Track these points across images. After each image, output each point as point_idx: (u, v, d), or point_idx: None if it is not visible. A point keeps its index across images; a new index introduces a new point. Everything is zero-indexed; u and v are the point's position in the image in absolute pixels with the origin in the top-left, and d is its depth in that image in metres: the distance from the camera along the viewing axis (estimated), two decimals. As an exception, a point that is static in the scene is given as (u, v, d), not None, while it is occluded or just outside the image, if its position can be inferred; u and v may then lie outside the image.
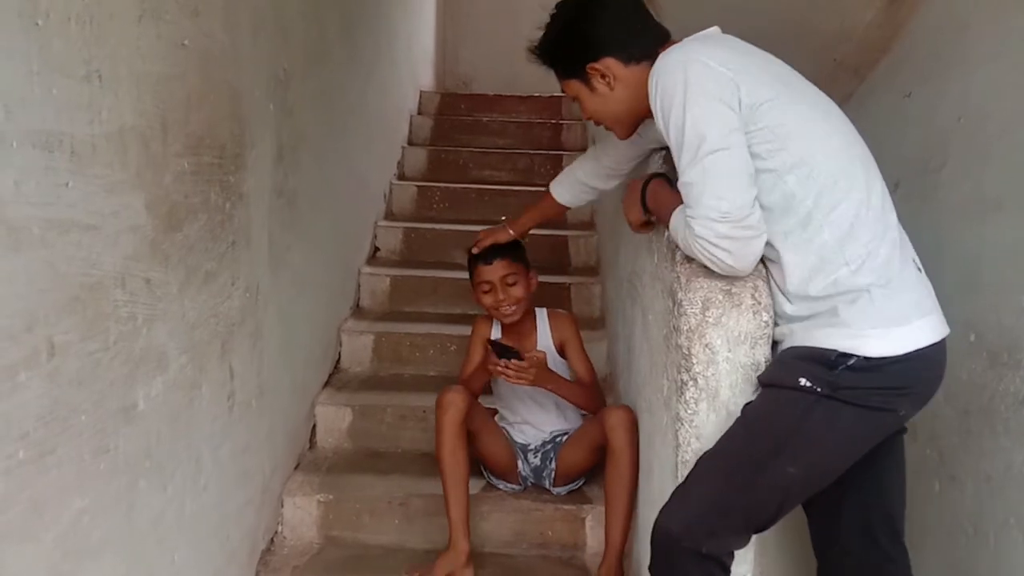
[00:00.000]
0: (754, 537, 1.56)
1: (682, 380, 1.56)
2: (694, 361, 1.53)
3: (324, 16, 2.78)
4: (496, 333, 2.53)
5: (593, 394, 2.44)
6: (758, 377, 1.51)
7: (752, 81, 1.45)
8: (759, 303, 1.51)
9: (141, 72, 1.46)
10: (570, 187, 2.34)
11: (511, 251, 2.42)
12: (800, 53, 2.48)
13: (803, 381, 1.40)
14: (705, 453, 1.51)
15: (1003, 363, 1.73)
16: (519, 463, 2.49)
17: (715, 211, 1.40)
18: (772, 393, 1.47)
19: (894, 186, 2.14)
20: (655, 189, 1.71)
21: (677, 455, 1.58)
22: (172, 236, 1.63)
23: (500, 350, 2.28)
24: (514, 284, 2.40)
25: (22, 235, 1.16)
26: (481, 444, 2.43)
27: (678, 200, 1.53)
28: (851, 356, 1.38)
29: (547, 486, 2.50)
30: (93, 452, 1.37)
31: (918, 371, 1.41)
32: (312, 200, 2.65)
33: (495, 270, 2.39)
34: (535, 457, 2.49)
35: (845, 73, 2.55)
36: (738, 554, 1.56)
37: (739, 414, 1.51)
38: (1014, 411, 1.69)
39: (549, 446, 2.48)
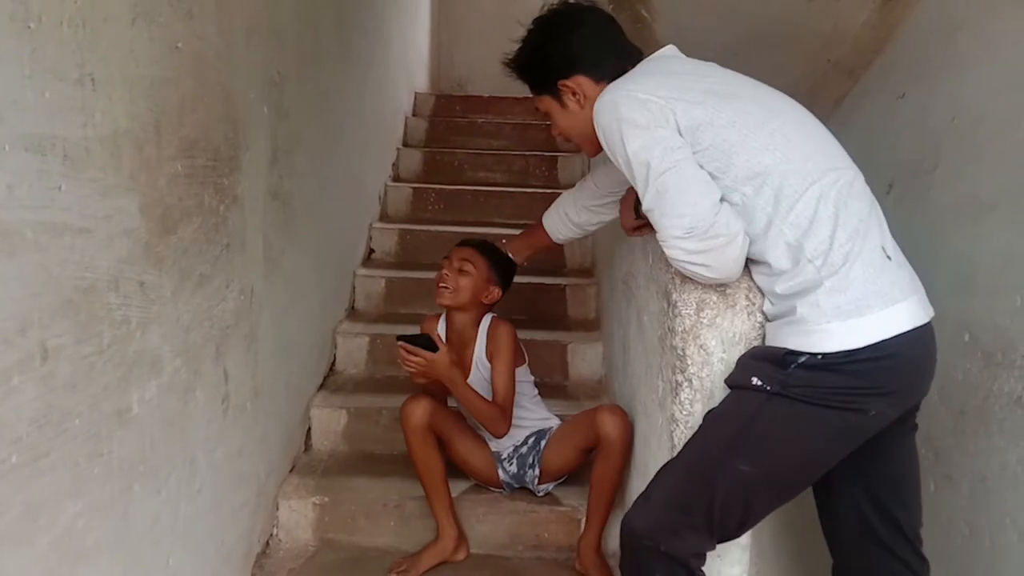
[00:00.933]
0: (750, 539, 1.56)
1: (677, 381, 1.56)
2: (689, 362, 1.54)
3: (318, 18, 2.78)
4: (441, 331, 2.53)
5: (494, 414, 2.32)
6: (725, 380, 1.53)
7: (686, 105, 1.47)
8: (753, 304, 1.52)
9: (134, 75, 1.46)
10: (559, 219, 2.32)
11: (488, 252, 2.45)
12: (794, 54, 2.50)
13: (755, 380, 1.43)
14: (668, 461, 1.54)
15: (997, 363, 1.73)
16: (499, 470, 2.48)
17: (679, 229, 1.43)
18: (731, 394, 1.50)
19: (888, 187, 2.14)
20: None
21: (672, 456, 1.58)
22: (166, 239, 1.62)
23: (411, 341, 2.23)
24: (464, 274, 2.41)
25: (15, 239, 1.16)
26: (456, 451, 2.43)
27: None
28: (801, 354, 1.38)
29: (531, 487, 2.48)
30: (87, 456, 1.37)
31: (887, 367, 1.38)
32: (307, 202, 2.65)
33: (460, 252, 2.45)
34: (511, 464, 2.47)
35: (839, 74, 2.55)
36: (732, 555, 1.57)
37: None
38: (1009, 411, 1.70)
39: (524, 449, 2.46)
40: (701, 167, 1.46)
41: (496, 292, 2.45)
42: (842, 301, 1.37)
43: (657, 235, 1.49)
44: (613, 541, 2.32)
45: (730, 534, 1.49)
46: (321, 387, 2.99)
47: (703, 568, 1.50)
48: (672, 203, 1.43)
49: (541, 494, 2.50)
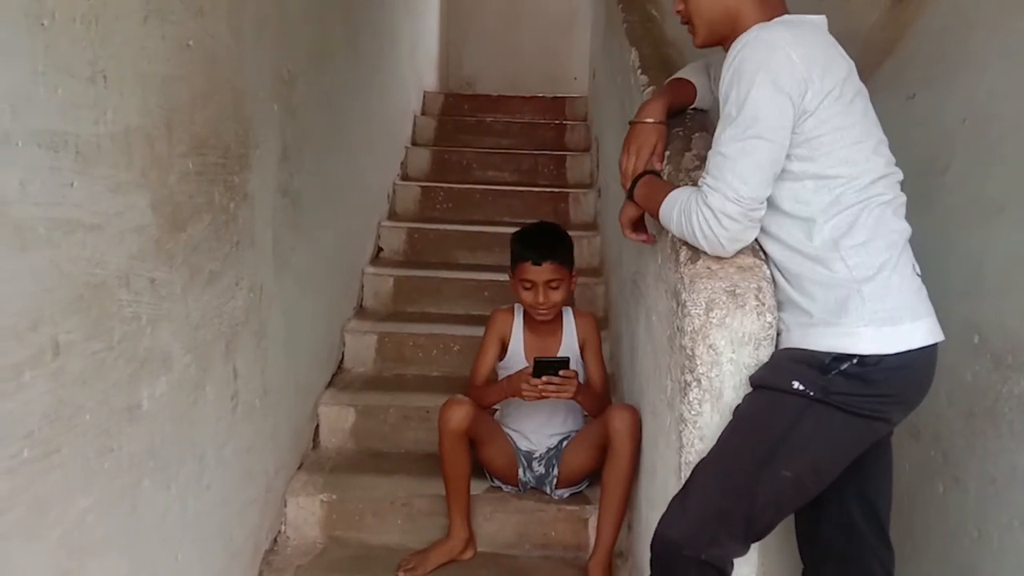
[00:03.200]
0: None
1: (686, 381, 1.55)
2: (698, 362, 1.53)
3: (328, 17, 2.78)
4: (519, 326, 2.51)
5: (603, 401, 2.43)
6: (750, 378, 1.51)
7: (818, 88, 1.44)
8: (763, 304, 1.51)
9: (146, 72, 1.47)
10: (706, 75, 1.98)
11: (561, 254, 2.37)
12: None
13: (796, 384, 1.41)
14: (701, 460, 1.51)
15: (1007, 365, 1.73)
16: (520, 470, 2.48)
17: (733, 190, 1.42)
18: (764, 395, 1.47)
19: (898, 187, 2.13)
20: (645, 182, 1.71)
21: (680, 456, 1.58)
22: (176, 236, 1.63)
23: (541, 367, 2.20)
24: (556, 288, 2.36)
25: (27, 235, 1.16)
26: (485, 451, 2.44)
27: (669, 189, 1.59)
28: (844, 359, 1.39)
29: (547, 491, 2.50)
30: (97, 451, 1.38)
31: (907, 377, 1.43)
32: (316, 200, 2.66)
33: (542, 272, 2.34)
34: (540, 465, 2.48)
35: (849, 74, 2.54)
36: (740, 557, 1.56)
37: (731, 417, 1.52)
38: (1018, 413, 1.69)
39: (553, 452, 2.48)
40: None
41: (576, 279, 2.46)
42: (878, 308, 1.40)
43: (707, 178, 1.46)
44: (620, 543, 2.32)
45: (760, 537, 1.49)
46: (329, 385, 3.00)
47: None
48: (746, 167, 1.42)
49: (557, 498, 2.50)
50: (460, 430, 2.26)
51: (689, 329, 1.53)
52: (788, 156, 1.45)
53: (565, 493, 2.50)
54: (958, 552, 1.85)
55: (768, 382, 1.46)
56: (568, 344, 2.47)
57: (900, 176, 1.52)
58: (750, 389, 1.51)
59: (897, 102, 2.30)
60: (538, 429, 2.48)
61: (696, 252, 1.56)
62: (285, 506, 2.47)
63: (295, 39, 2.39)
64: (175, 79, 1.59)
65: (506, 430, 2.51)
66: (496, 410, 2.57)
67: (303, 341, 2.62)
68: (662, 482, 1.78)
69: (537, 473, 2.48)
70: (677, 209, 1.53)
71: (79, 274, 1.29)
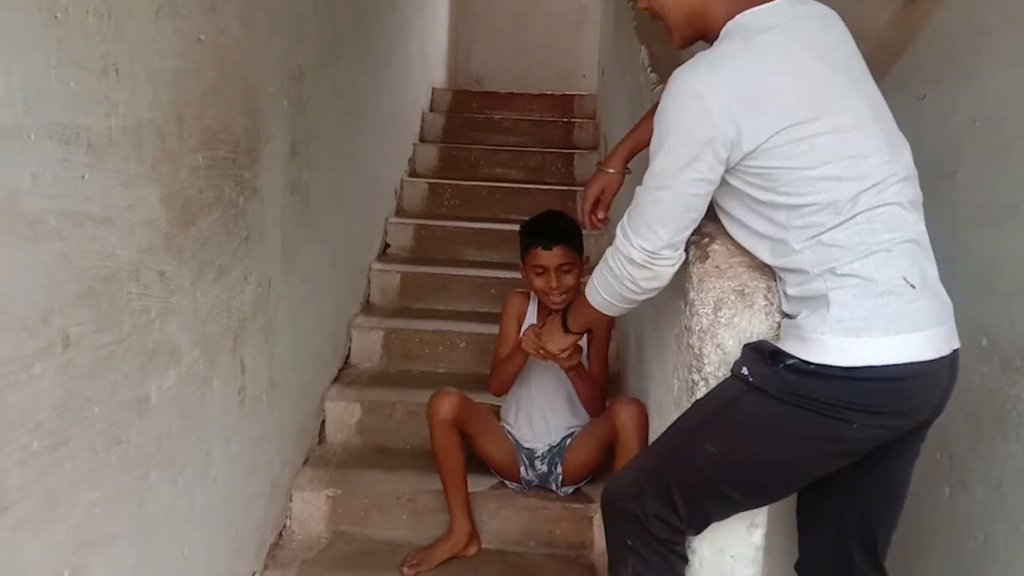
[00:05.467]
0: (764, 539, 1.56)
1: (693, 380, 1.55)
2: (705, 362, 1.53)
3: (339, 13, 2.78)
4: (533, 312, 2.51)
5: (598, 394, 2.43)
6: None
7: (752, 129, 1.36)
8: (771, 304, 1.51)
9: (158, 67, 1.47)
10: None
11: (572, 238, 2.35)
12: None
13: (743, 370, 1.44)
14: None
15: (1016, 368, 1.72)
16: (522, 468, 2.48)
17: (641, 238, 1.47)
18: (722, 380, 1.52)
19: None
20: (572, 311, 1.94)
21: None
22: (186, 230, 1.63)
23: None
24: (568, 272, 2.34)
25: (39, 227, 1.17)
26: (479, 444, 2.44)
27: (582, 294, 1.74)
28: (789, 356, 1.38)
29: (553, 488, 2.50)
30: (106, 444, 1.38)
31: (877, 391, 1.35)
32: (325, 196, 2.66)
33: (553, 257, 2.32)
34: (543, 464, 2.48)
35: (860, 75, 2.53)
36: (746, 555, 1.56)
37: None
38: (1026, 416, 1.69)
39: (556, 449, 2.48)
40: (758, 178, 1.40)
41: (587, 265, 2.37)
42: (844, 317, 1.35)
43: (625, 217, 1.52)
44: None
45: (693, 520, 1.50)
46: (336, 380, 3.00)
47: (678, 548, 1.53)
48: (652, 217, 1.46)
49: (562, 495, 2.50)
50: (449, 419, 2.27)
51: (697, 328, 1.53)
52: (748, 187, 1.41)
53: (571, 489, 2.50)
54: (964, 556, 1.85)
55: (732, 367, 1.50)
56: None
57: (905, 172, 1.45)
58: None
59: (907, 103, 2.29)
60: (539, 426, 2.48)
61: (705, 251, 1.56)
62: (290, 501, 2.48)
63: (306, 34, 2.39)
64: (186, 73, 1.59)
65: (507, 428, 2.51)
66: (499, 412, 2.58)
67: (310, 336, 2.63)
68: (668, 481, 1.78)
69: (540, 472, 2.48)
70: (597, 272, 1.63)
71: (89, 267, 1.30)
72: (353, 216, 3.21)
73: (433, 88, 5.43)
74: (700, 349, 1.53)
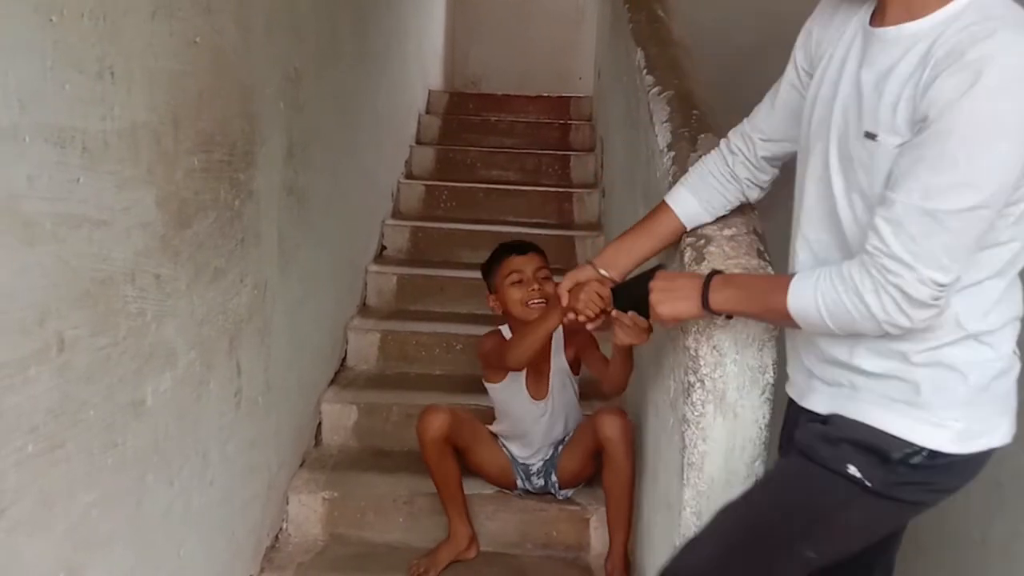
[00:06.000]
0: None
1: (689, 382, 1.55)
2: (701, 363, 1.53)
3: (337, 14, 2.78)
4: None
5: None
6: (797, 442, 1.34)
7: None
8: (767, 306, 1.51)
9: (153, 69, 1.47)
10: (699, 187, 1.61)
11: (541, 252, 2.35)
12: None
13: (852, 470, 1.23)
14: (727, 506, 1.41)
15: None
16: (518, 480, 2.47)
17: (935, 269, 1.09)
18: (811, 469, 1.28)
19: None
20: (727, 283, 1.37)
21: (683, 457, 1.58)
22: (182, 232, 1.63)
23: (627, 294, 1.61)
24: (546, 280, 2.28)
25: (35, 229, 1.17)
26: (472, 457, 2.41)
27: (768, 283, 1.36)
28: (917, 451, 1.19)
29: (552, 492, 2.49)
30: (102, 446, 1.38)
31: (972, 471, 1.24)
32: (321, 198, 2.66)
33: (530, 260, 2.30)
34: (539, 478, 2.46)
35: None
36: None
37: (771, 470, 1.42)
38: None
39: (548, 462, 2.45)
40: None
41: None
42: (983, 397, 1.19)
43: (903, 244, 1.10)
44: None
45: None
46: (332, 382, 3.00)
47: None
48: (964, 243, 1.09)
49: (562, 498, 2.49)
50: (440, 437, 2.25)
51: (693, 330, 1.53)
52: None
53: (570, 492, 2.50)
54: (962, 558, 1.85)
55: (819, 458, 1.27)
56: (556, 360, 2.40)
57: None
58: (754, 389, 1.50)
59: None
60: (538, 437, 2.43)
61: (700, 253, 1.56)
62: (287, 503, 2.48)
63: (303, 37, 2.39)
64: (182, 75, 1.59)
65: (503, 440, 2.48)
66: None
67: (306, 338, 2.63)
68: (664, 483, 1.78)
69: (537, 485, 2.47)
70: (829, 291, 1.18)
71: (85, 269, 1.30)
72: (350, 218, 3.21)
73: (430, 90, 5.43)
74: (696, 351, 1.53)
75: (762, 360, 1.52)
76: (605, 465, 2.22)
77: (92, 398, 1.34)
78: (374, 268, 3.62)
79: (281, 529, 2.46)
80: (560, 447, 2.45)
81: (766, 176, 1.57)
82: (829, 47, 1.31)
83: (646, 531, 2.03)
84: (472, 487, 2.44)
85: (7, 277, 1.12)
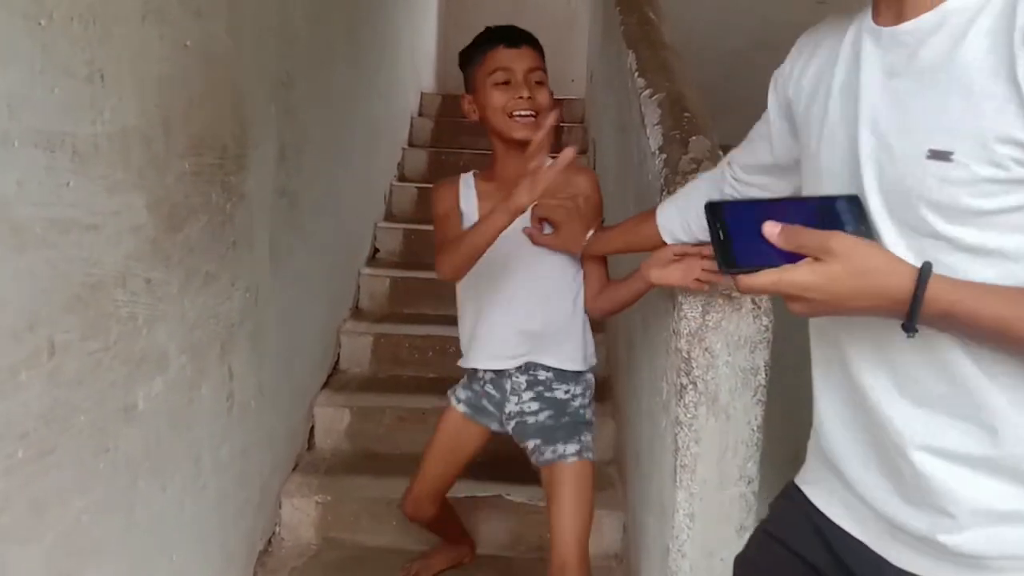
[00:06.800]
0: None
1: (682, 384, 1.56)
2: (694, 365, 1.54)
3: (328, 18, 2.78)
4: (468, 194, 1.90)
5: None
6: None
7: None
8: (759, 307, 1.51)
9: (144, 73, 1.46)
10: (685, 206, 1.46)
11: (538, 45, 1.81)
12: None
13: None
14: None
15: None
16: (491, 425, 1.93)
17: None
18: None
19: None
20: (953, 290, 0.81)
21: (676, 459, 1.58)
22: (173, 236, 1.63)
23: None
24: (541, 85, 1.74)
25: (24, 235, 1.16)
26: (455, 474, 2.03)
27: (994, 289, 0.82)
28: None
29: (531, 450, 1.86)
30: (93, 452, 1.38)
31: None
32: (313, 201, 2.66)
33: (522, 56, 1.73)
34: (514, 396, 1.87)
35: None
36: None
37: None
38: None
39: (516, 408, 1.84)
40: None
41: (561, 113, 1.81)
42: None
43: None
44: (615, 545, 2.33)
45: None
46: (325, 386, 2.99)
47: None
48: None
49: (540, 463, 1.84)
50: (425, 518, 2.10)
51: (685, 332, 1.54)
52: None
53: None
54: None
55: None
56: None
57: None
58: (746, 391, 1.51)
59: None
60: (505, 333, 1.93)
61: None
62: (280, 507, 2.47)
63: (294, 40, 2.39)
64: (173, 79, 1.59)
65: (470, 358, 2.00)
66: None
67: (299, 342, 2.62)
68: (658, 486, 1.79)
69: (513, 411, 1.87)
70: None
71: (76, 274, 1.29)
72: (342, 221, 3.20)
73: (422, 93, 5.43)
74: (688, 352, 1.54)
75: (754, 362, 1.53)
76: (551, 515, 1.76)
77: (83, 403, 1.33)
78: (367, 271, 3.62)
79: (274, 533, 2.46)
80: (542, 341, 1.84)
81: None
82: (817, 82, 1.05)
83: (639, 533, 2.03)
84: (467, 489, 2.44)
85: (-3, 282, 1.12)
